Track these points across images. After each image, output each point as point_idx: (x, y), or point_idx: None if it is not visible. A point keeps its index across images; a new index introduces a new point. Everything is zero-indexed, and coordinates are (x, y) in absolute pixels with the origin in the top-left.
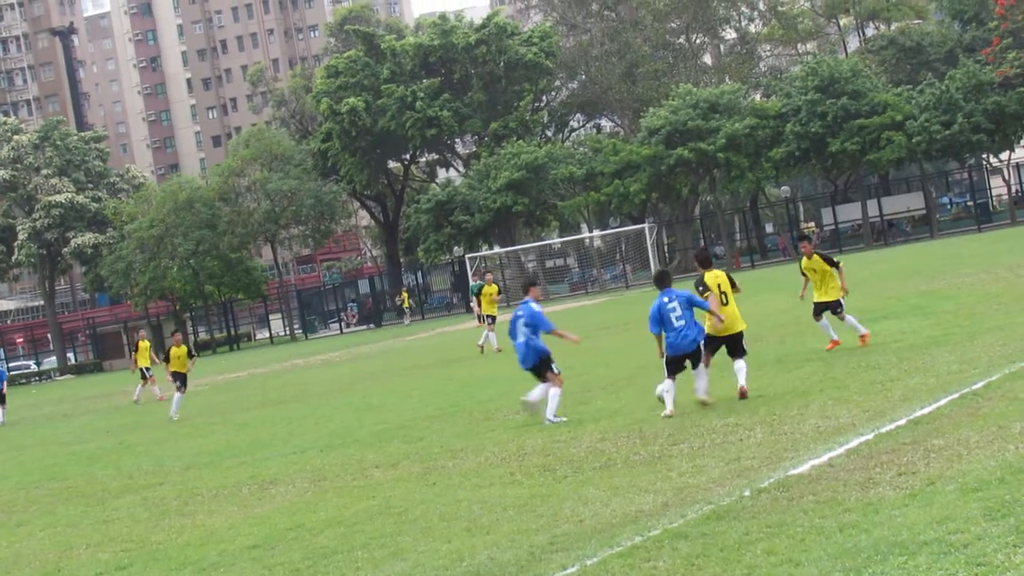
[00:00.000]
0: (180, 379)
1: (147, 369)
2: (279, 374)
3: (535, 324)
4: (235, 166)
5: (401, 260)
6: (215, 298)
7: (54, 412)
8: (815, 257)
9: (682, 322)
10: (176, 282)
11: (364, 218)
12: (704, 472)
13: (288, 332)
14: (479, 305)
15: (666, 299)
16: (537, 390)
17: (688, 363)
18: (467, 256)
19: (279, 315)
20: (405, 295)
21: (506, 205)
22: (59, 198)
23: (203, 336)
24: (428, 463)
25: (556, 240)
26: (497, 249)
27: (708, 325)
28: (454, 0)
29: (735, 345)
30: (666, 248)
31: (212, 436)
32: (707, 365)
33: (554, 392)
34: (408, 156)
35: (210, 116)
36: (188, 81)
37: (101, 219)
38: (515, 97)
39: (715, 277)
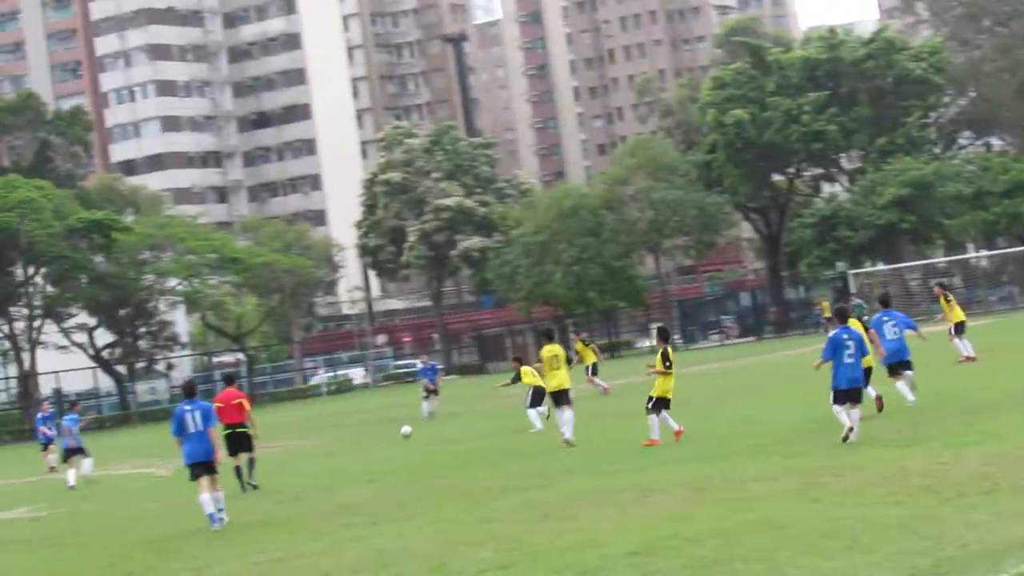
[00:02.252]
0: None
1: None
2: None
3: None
4: (620, 175)
5: (783, 274)
6: (596, 305)
7: (437, 411)
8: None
9: (851, 360)
10: (559, 288)
11: (746, 230)
12: None
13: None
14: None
15: (845, 336)
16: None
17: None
18: (850, 272)
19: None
20: (826, 304)
21: (891, 222)
22: (448, 202)
23: None
24: (808, 479)
25: (941, 259)
26: (880, 266)
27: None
28: (843, 13)
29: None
30: None
31: (591, 443)
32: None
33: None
34: (793, 170)
35: (596, 125)
36: (575, 89)
37: (488, 223)
38: (902, 113)
39: (550, 351)
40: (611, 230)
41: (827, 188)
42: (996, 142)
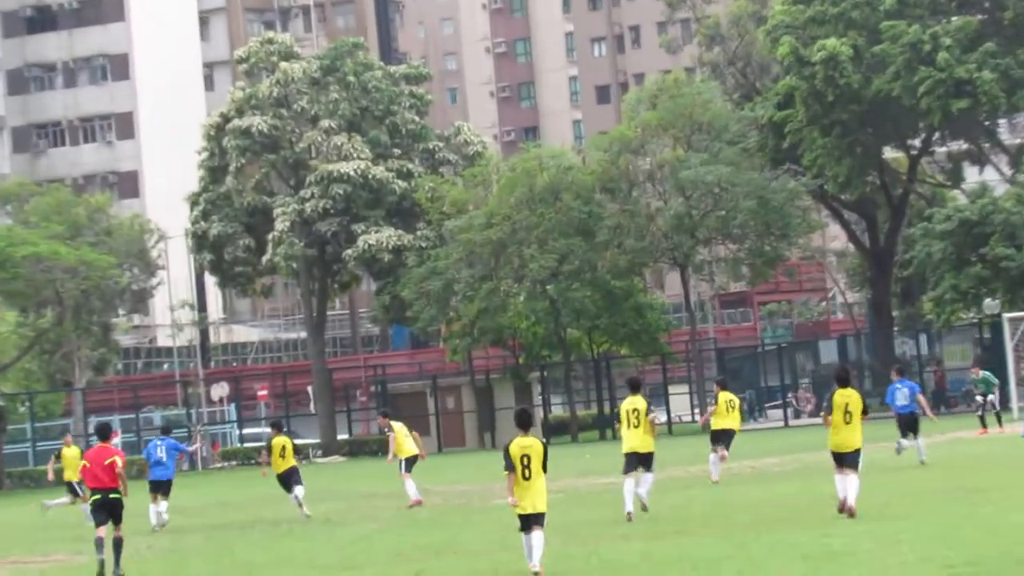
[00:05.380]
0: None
1: None
2: (678, 486)
3: None
4: (631, 137)
5: (894, 313)
6: (582, 351)
7: (311, 514)
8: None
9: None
10: (520, 320)
11: (837, 238)
12: None
13: (697, 415)
14: None
15: (899, 385)
16: None
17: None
18: (1006, 316)
19: (685, 386)
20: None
21: None
22: (345, 167)
23: (558, 411)
24: None
25: None
26: None
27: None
28: None
29: None
30: None
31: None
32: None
33: None
34: (919, 142)
35: (595, 53)
36: None
37: (409, 207)
38: None
39: (844, 396)
40: (612, 227)
41: (974, 175)
42: None
